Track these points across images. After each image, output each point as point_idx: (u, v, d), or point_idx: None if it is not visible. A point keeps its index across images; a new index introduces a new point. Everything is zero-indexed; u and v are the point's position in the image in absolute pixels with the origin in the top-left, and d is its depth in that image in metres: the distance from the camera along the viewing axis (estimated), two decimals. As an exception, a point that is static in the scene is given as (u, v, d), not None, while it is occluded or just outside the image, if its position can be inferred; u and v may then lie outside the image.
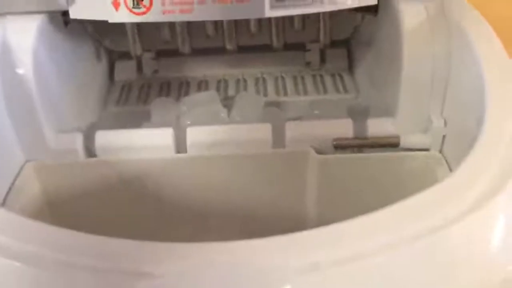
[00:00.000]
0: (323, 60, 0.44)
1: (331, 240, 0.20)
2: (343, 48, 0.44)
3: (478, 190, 0.21)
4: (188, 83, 0.44)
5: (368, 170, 0.32)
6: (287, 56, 0.44)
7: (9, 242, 0.20)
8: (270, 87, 0.43)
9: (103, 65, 0.44)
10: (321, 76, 0.44)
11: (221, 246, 0.20)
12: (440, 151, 0.31)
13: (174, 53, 0.43)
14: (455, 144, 0.30)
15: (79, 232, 0.21)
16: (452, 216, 0.20)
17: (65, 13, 0.32)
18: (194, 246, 0.20)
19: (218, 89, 0.43)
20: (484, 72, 0.26)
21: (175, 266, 0.19)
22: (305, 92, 0.42)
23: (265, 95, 0.42)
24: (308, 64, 0.44)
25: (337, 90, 0.42)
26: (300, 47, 0.44)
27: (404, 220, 0.20)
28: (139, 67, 0.45)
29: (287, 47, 0.43)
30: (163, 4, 0.29)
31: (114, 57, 0.45)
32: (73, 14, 0.31)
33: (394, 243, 0.19)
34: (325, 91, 0.42)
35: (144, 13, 0.30)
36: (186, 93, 0.43)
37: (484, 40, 0.27)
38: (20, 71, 0.31)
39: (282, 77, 0.44)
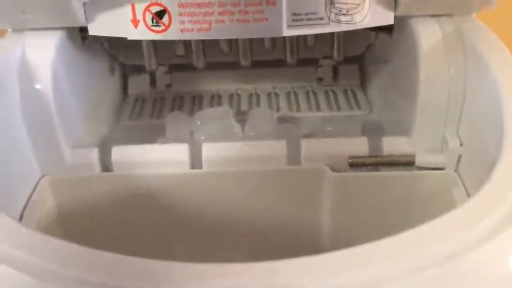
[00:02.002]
0: (335, 76, 0.44)
1: (350, 264, 0.20)
2: (356, 64, 0.44)
3: (498, 215, 0.21)
4: (201, 97, 0.44)
5: (383, 188, 0.32)
6: (300, 71, 0.44)
7: (23, 257, 0.20)
8: (283, 102, 0.43)
9: (116, 79, 0.44)
10: (333, 92, 0.44)
11: (236, 267, 0.20)
12: (456, 170, 0.31)
13: (187, 67, 0.43)
14: (471, 164, 0.30)
15: (91, 249, 0.21)
16: (473, 241, 0.20)
17: (83, 29, 0.33)
18: (208, 267, 0.20)
19: (231, 103, 0.43)
20: (502, 94, 0.26)
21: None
22: (318, 108, 0.42)
23: (278, 110, 0.42)
24: (320, 79, 0.45)
25: (350, 106, 0.42)
26: (312, 62, 0.44)
27: (424, 245, 0.20)
28: (153, 81, 0.45)
29: (300, 62, 0.43)
30: (181, 23, 0.30)
31: (127, 71, 0.45)
32: (92, 31, 0.31)
33: (414, 268, 0.19)
34: (338, 107, 0.42)
35: (162, 31, 0.30)
36: (199, 107, 0.43)
37: (500, 62, 0.28)
38: (39, 86, 0.31)
39: (295, 92, 0.44)
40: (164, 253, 0.34)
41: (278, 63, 0.43)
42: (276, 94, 0.44)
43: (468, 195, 0.30)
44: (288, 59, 0.42)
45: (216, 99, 0.44)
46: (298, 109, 0.42)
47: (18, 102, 0.31)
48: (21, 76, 0.31)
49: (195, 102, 0.44)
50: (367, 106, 0.42)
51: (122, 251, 0.21)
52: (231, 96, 0.44)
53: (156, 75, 0.45)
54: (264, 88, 0.45)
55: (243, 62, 0.42)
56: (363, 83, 0.44)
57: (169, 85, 0.45)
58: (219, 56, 0.43)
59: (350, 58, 0.43)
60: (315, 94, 0.44)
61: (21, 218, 0.30)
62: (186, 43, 0.42)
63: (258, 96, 0.44)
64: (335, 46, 0.41)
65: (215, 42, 0.42)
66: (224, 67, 0.44)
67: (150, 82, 0.45)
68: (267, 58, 0.43)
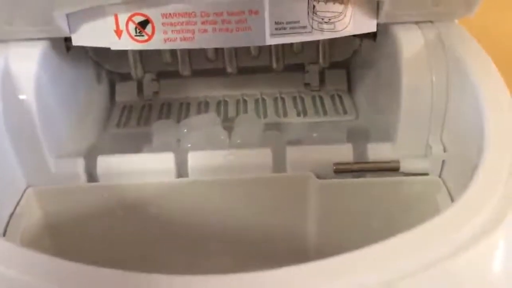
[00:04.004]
0: (322, 81, 0.45)
1: (334, 273, 0.20)
2: (343, 69, 0.45)
3: (480, 220, 0.21)
4: (188, 104, 0.44)
5: (368, 194, 0.32)
6: (287, 77, 0.45)
7: (9, 273, 0.20)
8: (270, 108, 0.43)
9: (103, 87, 0.44)
10: (320, 97, 0.44)
11: (220, 279, 0.20)
12: (440, 176, 0.32)
13: (174, 74, 0.44)
14: (455, 169, 0.30)
15: (76, 263, 0.21)
16: (457, 246, 0.20)
17: (67, 39, 0.33)
18: (191, 279, 0.20)
19: (218, 110, 0.43)
20: (482, 100, 0.26)
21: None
22: (305, 113, 0.42)
23: (265, 116, 0.42)
24: (307, 85, 0.45)
25: (337, 112, 0.42)
26: (299, 68, 0.44)
27: (408, 252, 0.20)
28: (140, 89, 0.45)
29: (287, 68, 0.43)
30: (165, 32, 0.30)
31: (114, 79, 0.45)
32: (76, 41, 0.31)
33: (398, 275, 0.20)
34: (325, 113, 0.42)
35: (146, 41, 0.30)
36: (187, 114, 0.43)
37: (480, 69, 0.28)
38: (22, 97, 0.31)
39: (282, 98, 0.44)
40: (151, 262, 0.34)
41: (265, 69, 0.44)
42: (264, 100, 0.44)
43: (452, 200, 0.30)
44: (274, 65, 0.42)
45: (203, 106, 0.44)
46: (285, 115, 0.42)
47: (1, 112, 0.31)
48: (5, 87, 0.31)
49: (182, 109, 0.44)
50: (353, 112, 0.42)
51: (109, 261, 0.21)
52: (218, 102, 0.44)
53: (143, 83, 0.45)
54: (251, 94, 0.45)
55: (229, 69, 0.42)
56: (350, 88, 0.45)
57: (156, 93, 0.45)
58: (206, 63, 0.43)
59: (337, 63, 0.43)
60: (302, 99, 0.44)
61: (6, 229, 0.30)
62: (173, 51, 0.42)
63: (245, 102, 0.44)
64: (320, 52, 0.42)
65: (201, 50, 0.42)
66: (211, 74, 0.44)
67: (137, 89, 0.45)
68: (253, 64, 0.43)
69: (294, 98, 0.44)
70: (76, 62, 0.38)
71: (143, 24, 0.30)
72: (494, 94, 0.27)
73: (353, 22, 0.31)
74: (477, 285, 0.21)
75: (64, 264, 0.20)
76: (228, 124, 0.38)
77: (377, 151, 0.32)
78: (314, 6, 0.30)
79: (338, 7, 0.30)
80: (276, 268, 0.20)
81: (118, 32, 0.30)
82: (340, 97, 0.44)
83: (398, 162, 0.32)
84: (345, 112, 0.42)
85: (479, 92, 0.27)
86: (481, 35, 0.31)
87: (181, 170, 0.33)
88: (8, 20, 0.30)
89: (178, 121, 0.41)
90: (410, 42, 0.31)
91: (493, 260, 0.21)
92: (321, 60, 0.42)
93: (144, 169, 0.33)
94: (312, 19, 0.30)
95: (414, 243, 0.21)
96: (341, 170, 0.32)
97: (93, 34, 0.31)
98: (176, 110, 0.44)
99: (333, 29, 0.30)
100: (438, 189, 0.31)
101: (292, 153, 0.32)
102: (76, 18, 0.30)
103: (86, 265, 0.20)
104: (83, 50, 0.40)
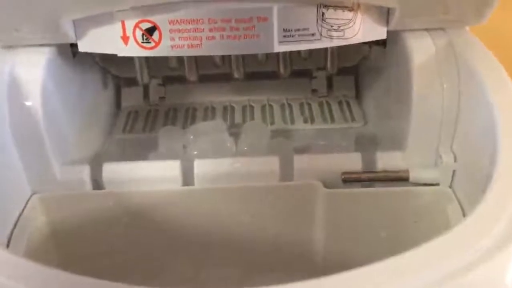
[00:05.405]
0: (330, 87, 0.44)
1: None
2: (351, 75, 0.44)
3: (494, 234, 0.21)
4: (194, 110, 0.44)
5: (377, 204, 0.32)
6: (294, 83, 0.44)
7: (10, 285, 0.20)
8: (277, 115, 0.43)
9: (109, 92, 0.44)
10: (328, 103, 0.44)
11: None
12: (450, 186, 0.31)
13: (181, 79, 0.43)
14: (466, 180, 0.30)
15: (78, 276, 0.20)
16: (471, 261, 0.20)
17: (73, 44, 0.32)
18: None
19: (224, 116, 0.43)
20: (495, 109, 0.26)
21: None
22: (312, 120, 0.42)
23: (272, 122, 0.42)
24: (315, 91, 0.44)
25: (345, 118, 0.42)
26: (307, 74, 0.44)
27: (422, 267, 0.20)
28: (146, 94, 0.45)
29: (294, 74, 0.43)
30: (172, 39, 0.30)
31: (120, 83, 0.45)
32: (82, 48, 0.31)
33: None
34: (332, 119, 0.42)
35: (153, 47, 0.30)
36: (193, 120, 0.43)
37: (493, 78, 0.27)
38: (28, 103, 0.31)
39: (289, 104, 0.44)
40: (156, 270, 0.34)
41: (272, 75, 0.43)
42: (271, 106, 0.44)
43: (463, 211, 0.30)
44: (282, 71, 0.42)
45: (209, 112, 0.44)
46: (292, 122, 0.42)
47: (7, 119, 0.30)
48: (11, 93, 0.30)
49: (188, 115, 0.44)
50: (361, 118, 0.41)
51: (112, 269, 0.20)
52: (224, 108, 0.44)
53: (150, 88, 0.45)
54: (258, 100, 0.44)
55: (236, 75, 0.42)
56: (358, 95, 0.44)
57: (162, 98, 0.45)
58: (212, 69, 0.43)
59: (345, 69, 0.43)
60: (309, 106, 0.44)
61: (11, 236, 0.30)
62: (179, 56, 0.41)
63: (252, 108, 0.44)
64: (329, 58, 0.41)
65: (208, 55, 0.41)
66: (217, 79, 0.44)
67: (143, 94, 0.45)
68: (260, 70, 0.43)
69: (301, 105, 0.44)
70: (82, 68, 0.38)
71: (150, 30, 0.30)
72: (507, 103, 0.26)
73: (363, 30, 0.30)
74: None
75: (65, 277, 0.20)
76: (234, 131, 0.38)
77: (386, 160, 0.32)
78: (323, 13, 0.29)
79: (348, 14, 0.30)
80: (283, 284, 0.19)
81: (125, 39, 0.30)
82: (348, 103, 0.44)
83: (407, 171, 0.31)
84: (353, 119, 0.41)
85: (491, 100, 0.26)
86: (493, 37, 0.31)
87: (187, 178, 0.33)
88: (15, 27, 0.30)
89: (184, 126, 0.41)
90: (421, 49, 0.30)
91: (507, 274, 0.21)
92: (329, 66, 0.42)
93: (150, 176, 0.32)
94: (321, 26, 0.30)
95: (427, 257, 0.20)
96: (349, 179, 0.31)
97: (100, 41, 0.31)
98: (182, 116, 0.43)
99: (342, 36, 0.30)
100: (449, 200, 0.31)
101: (300, 162, 0.32)
102: (82, 25, 0.30)
103: (87, 277, 0.20)
104: (89, 55, 0.40)
